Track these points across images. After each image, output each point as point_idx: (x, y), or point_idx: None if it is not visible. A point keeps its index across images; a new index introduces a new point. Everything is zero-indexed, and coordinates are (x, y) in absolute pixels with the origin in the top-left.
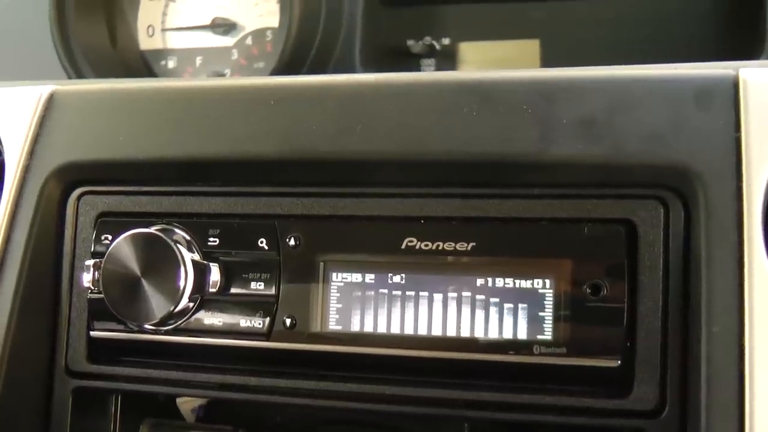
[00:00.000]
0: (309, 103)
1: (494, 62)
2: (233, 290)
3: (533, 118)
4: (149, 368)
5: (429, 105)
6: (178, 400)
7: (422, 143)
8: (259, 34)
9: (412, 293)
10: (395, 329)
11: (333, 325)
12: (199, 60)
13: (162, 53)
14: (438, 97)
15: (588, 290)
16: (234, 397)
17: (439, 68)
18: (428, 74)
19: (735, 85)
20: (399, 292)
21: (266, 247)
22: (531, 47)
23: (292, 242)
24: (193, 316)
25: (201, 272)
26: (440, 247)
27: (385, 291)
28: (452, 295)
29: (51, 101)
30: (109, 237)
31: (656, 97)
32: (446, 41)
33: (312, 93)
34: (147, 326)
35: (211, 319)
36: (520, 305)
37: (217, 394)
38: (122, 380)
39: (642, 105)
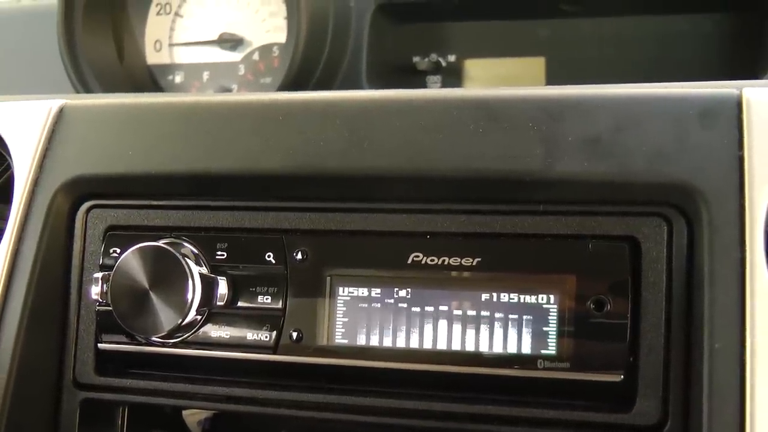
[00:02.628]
0: (317, 119)
1: (500, 79)
2: (240, 303)
3: (539, 135)
4: (157, 380)
5: (436, 122)
6: (185, 413)
7: (429, 159)
8: (266, 49)
9: (418, 308)
10: (401, 343)
11: (339, 339)
12: (206, 75)
13: (169, 68)
14: (444, 114)
15: (592, 306)
16: (240, 409)
17: (444, 85)
18: (435, 91)
19: (739, 104)
20: (405, 307)
21: (273, 261)
22: (536, 65)
23: (299, 256)
24: (201, 329)
25: (208, 285)
26: (446, 262)
27: (391, 305)
28: (457, 309)
29: (61, 115)
30: (118, 250)
31: (660, 116)
32: (452, 58)
33: (320, 109)
34: (155, 339)
35: (218, 332)
36: (524, 320)
37: (224, 406)
38: (130, 392)
39: (646, 123)
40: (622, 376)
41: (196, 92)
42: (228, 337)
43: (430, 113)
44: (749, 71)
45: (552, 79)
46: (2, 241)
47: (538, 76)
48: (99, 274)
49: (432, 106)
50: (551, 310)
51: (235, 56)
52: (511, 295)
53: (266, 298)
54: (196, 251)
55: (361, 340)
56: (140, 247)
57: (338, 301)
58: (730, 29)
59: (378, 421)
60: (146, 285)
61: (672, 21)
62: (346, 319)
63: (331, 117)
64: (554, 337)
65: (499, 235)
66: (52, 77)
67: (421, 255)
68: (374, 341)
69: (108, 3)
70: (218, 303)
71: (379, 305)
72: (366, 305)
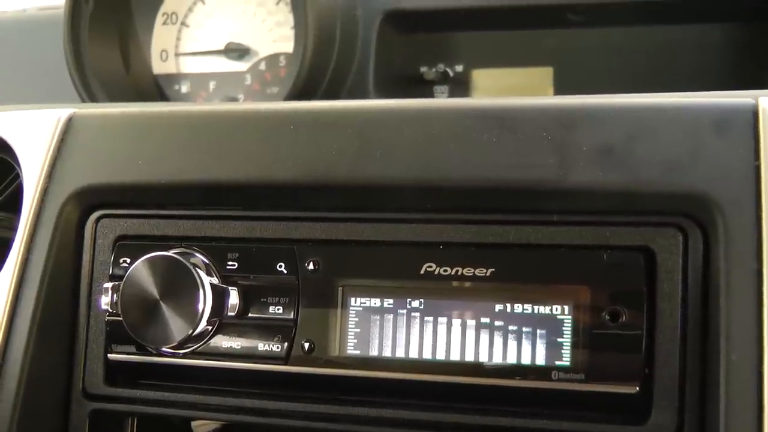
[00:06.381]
0: (328, 129)
1: (507, 89)
2: (252, 314)
3: (552, 145)
4: (167, 391)
5: (448, 131)
6: (194, 424)
7: (441, 169)
8: (272, 59)
9: (431, 318)
10: (413, 354)
11: (351, 350)
12: (212, 85)
13: (175, 78)
14: (457, 124)
15: (607, 317)
16: (251, 420)
17: (452, 95)
18: (448, 101)
19: (754, 113)
20: (417, 317)
21: (285, 272)
22: (544, 75)
23: (310, 267)
24: (212, 340)
25: (219, 296)
26: (459, 273)
27: (404, 316)
28: (470, 320)
29: (70, 124)
30: (128, 260)
31: (675, 125)
32: (459, 68)
33: (331, 118)
34: (165, 349)
35: (229, 342)
36: (538, 331)
37: (235, 417)
38: (139, 403)
39: (661, 133)
40: (637, 388)
41: (203, 102)
42: (239, 347)
43: (443, 122)
44: (758, 81)
45: (560, 89)
46: (11, 251)
47: (545, 86)
48: (109, 284)
49: (444, 115)
50: (565, 321)
51: (241, 66)
52: (525, 306)
53: (278, 309)
54: (207, 261)
55: (374, 351)
56: (150, 257)
57: (350, 312)
58: (739, 39)
59: None
60: (157, 295)
61: (680, 31)
62: (358, 330)
63: (342, 126)
64: (568, 348)
65: (513, 246)
66: (58, 87)
67: (433, 265)
68: (386, 352)
69: (114, 13)
70: (229, 313)
71: (391, 316)
72: (378, 316)
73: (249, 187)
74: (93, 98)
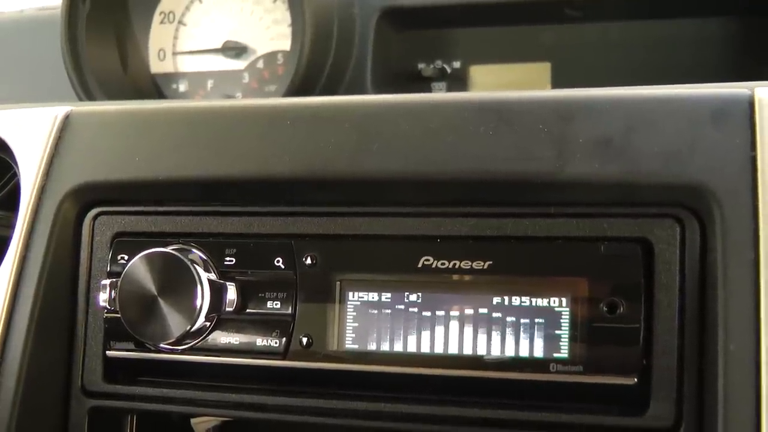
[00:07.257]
0: (326, 123)
1: (505, 85)
2: (250, 309)
3: (549, 137)
4: (165, 388)
5: (446, 125)
6: (193, 421)
7: (439, 163)
8: (270, 57)
9: (429, 312)
10: (411, 348)
11: (349, 344)
12: (210, 83)
13: (173, 77)
14: (455, 117)
15: (604, 308)
16: (250, 416)
17: (450, 91)
18: (445, 95)
19: (751, 104)
20: (415, 311)
21: (283, 267)
22: (542, 70)
23: (308, 261)
24: (210, 336)
25: (217, 291)
26: (457, 266)
27: (402, 310)
28: (468, 313)
29: (67, 122)
30: (126, 257)
31: (672, 117)
32: (457, 64)
33: (329, 113)
34: (163, 345)
35: (227, 338)
36: (536, 323)
37: (233, 413)
38: (138, 400)
39: (658, 124)
40: (635, 379)
41: (201, 101)
42: (237, 343)
43: (440, 116)
44: (755, 75)
45: (557, 85)
46: (9, 249)
47: (543, 82)
48: (107, 281)
49: (442, 108)
50: (563, 313)
51: (239, 64)
52: (523, 299)
53: (275, 304)
54: (204, 257)
55: (372, 345)
56: (148, 254)
57: (348, 306)
58: (736, 33)
59: (390, 426)
60: (155, 291)
61: (677, 25)
62: (356, 324)
63: (339, 120)
64: (567, 340)
65: (510, 238)
66: (57, 87)
67: (431, 259)
68: (385, 346)
69: (111, 12)
70: (227, 309)
71: (389, 310)
72: (376, 310)
73: (246, 182)
74: (91, 98)
